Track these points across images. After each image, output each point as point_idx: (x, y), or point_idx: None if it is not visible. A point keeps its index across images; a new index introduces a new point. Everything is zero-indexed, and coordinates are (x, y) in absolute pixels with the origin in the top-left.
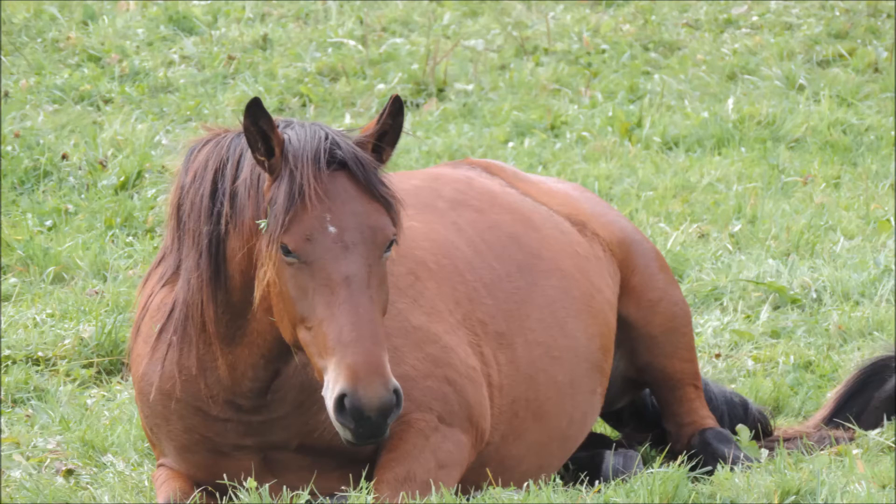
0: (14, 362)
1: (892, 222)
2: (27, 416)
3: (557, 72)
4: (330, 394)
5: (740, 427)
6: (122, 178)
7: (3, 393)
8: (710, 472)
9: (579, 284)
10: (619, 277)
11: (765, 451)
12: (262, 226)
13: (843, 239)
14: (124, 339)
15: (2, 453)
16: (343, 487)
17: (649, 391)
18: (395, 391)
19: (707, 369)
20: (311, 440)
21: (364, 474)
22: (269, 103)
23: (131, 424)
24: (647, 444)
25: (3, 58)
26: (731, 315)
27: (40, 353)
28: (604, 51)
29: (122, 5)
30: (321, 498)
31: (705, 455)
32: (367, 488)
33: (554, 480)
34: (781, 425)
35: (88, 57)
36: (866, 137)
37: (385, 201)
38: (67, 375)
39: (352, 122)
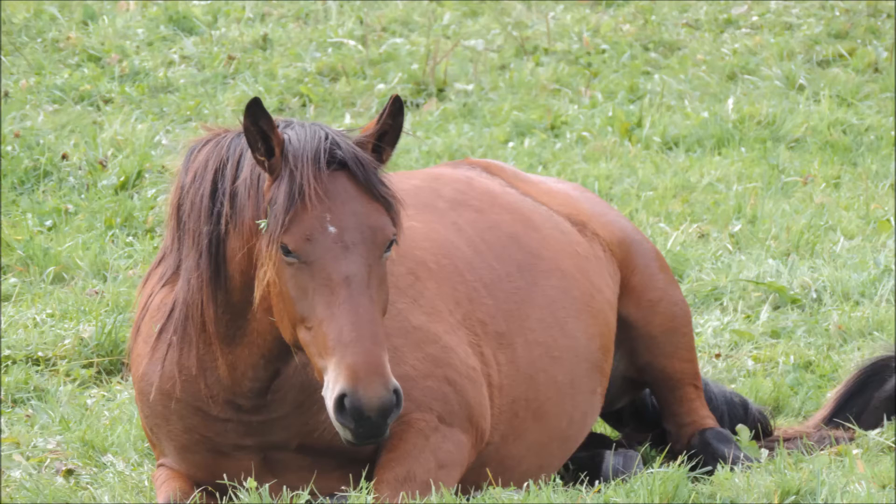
0: (14, 362)
1: (892, 222)
2: (27, 416)
3: (557, 72)
4: (330, 394)
5: (740, 427)
6: (122, 178)
7: (3, 393)
8: (710, 472)
9: (579, 284)
10: (619, 277)
11: (765, 451)
12: (262, 226)
13: (843, 239)
14: (124, 339)
15: (2, 453)
16: (343, 487)
17: (649, 391)
18: (395, 391)
19: (707, 369)
20: (311, 440)
21: (364, 474)
22: (269, 103)
23: (131, 424)
24: (647, 444)
25: (3, 58)
26: (731, 315)
27: (40, 353)
28: (604, 51)
29: (122, 5)
30: (321, 498)
31: (705, 455)
32: (367, 488)
33: (554, 480)
34: (781, 425)
35: (88, 57)
36: (866, 137)
37: (385, 201)
38: (67, 375)
39: (352, 122)
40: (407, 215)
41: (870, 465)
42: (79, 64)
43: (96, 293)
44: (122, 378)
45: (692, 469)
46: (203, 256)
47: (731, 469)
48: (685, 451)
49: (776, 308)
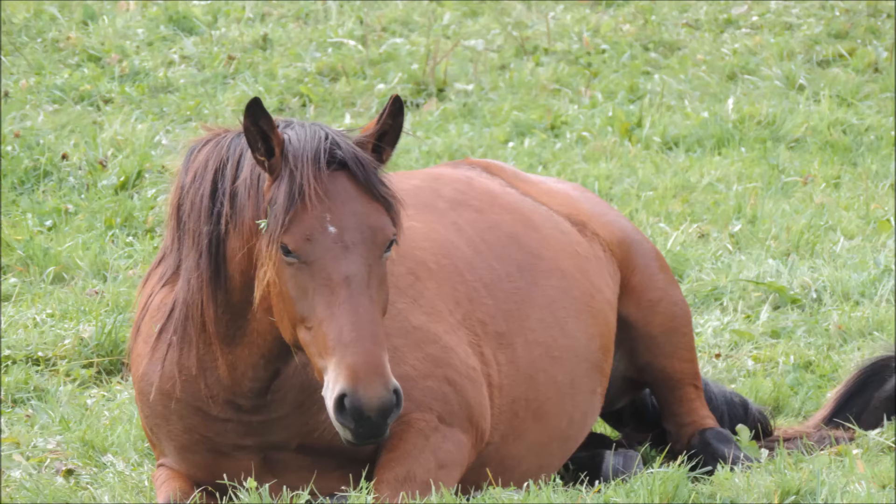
0: (14, 362)
1: (892, 222)
2: (27, 416)
3: (557, 72)
4: (330, 394)
5: (740, 427)
6: (122, 178)
7: (3, 393)
8: (710, 472)
9: (579, 284)
10: (619, 277)
11: (765, 451)
12: (262, 226)
13: (843, 239)
14: (124, 339)
15: (2, 453)
16: (343, 487)
17: (649, 391)
18: (395, 391)
19: (707, 369)
20: (311, 440)
21: (364, 474)
22: (269, 103)
23: (131, 424)
24: (647, 444)
25: (3, 58)
26: (731, 315)
27: (40, 353)
28: (604, 51)
29: (122, 5)
30: (321, 498)
31: (705, 455)
32: (367, 488)
33: (554, 480)
34: (781, 425)
35: (88, 57)
36: (866, 137)
37: (385, 201)
38: (67, 375)
39: (352, 122)
40: (407, 215)
41: (870, 465)
42: (79, 64)
43: (96, 293)
44: (122, 378)
45: (692, 469)
46: (203, 256)
47: (731, 469)
48: (685, 451)
49: (776, 308)
